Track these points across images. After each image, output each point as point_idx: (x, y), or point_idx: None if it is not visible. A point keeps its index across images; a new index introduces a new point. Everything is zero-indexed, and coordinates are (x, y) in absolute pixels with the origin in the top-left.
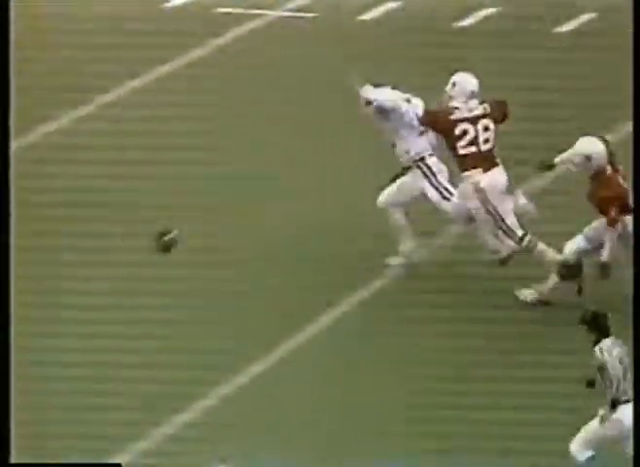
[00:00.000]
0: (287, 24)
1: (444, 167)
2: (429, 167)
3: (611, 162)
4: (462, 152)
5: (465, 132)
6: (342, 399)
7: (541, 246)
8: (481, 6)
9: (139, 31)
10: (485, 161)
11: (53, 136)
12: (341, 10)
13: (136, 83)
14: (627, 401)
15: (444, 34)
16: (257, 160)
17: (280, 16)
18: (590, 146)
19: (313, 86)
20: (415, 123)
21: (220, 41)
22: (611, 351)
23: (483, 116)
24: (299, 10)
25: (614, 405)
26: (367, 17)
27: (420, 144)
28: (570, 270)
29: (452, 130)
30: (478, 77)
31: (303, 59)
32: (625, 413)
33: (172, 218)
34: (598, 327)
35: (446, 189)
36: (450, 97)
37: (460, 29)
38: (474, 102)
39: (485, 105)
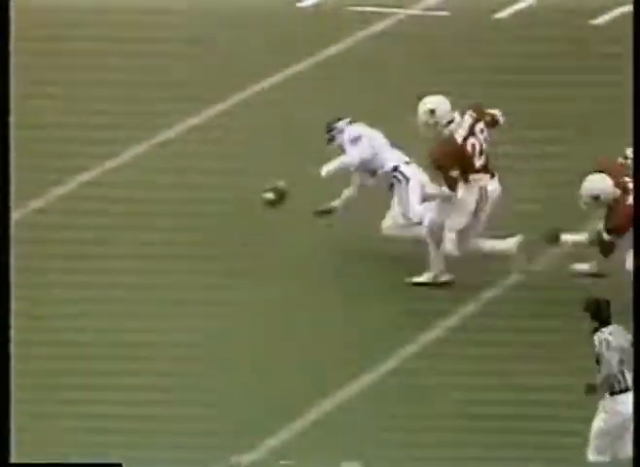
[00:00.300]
0: (419, 23)
1: (421, 174)
2: (403, 174)
3: (622, 186)
4: (478, 164)
5: (473, 146)
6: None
7: (485, 244)
8: (617, 3)
9: (272, 31)
10: (489, 164)
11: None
12: (475, 8)
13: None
14: (626, 390)
15: (579, 31)
16: None
17: (413, 14)
18: (598, 185)
19: (446, 86)
20: (379, 142)
21: (351, 40)
22: (612, 338)
23: (475, 121)
24: (432, 8)
25: (612, 393)
26: (501, 15)
27: (393, 155)
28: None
29: (465, 153)
30: (611, 74)
31: (436, 58)
32: (624, 402)
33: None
34: (600, 314)
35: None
36: (432, 125)
37: (595, 27)
38: (457, 115)
39: (469, 112)
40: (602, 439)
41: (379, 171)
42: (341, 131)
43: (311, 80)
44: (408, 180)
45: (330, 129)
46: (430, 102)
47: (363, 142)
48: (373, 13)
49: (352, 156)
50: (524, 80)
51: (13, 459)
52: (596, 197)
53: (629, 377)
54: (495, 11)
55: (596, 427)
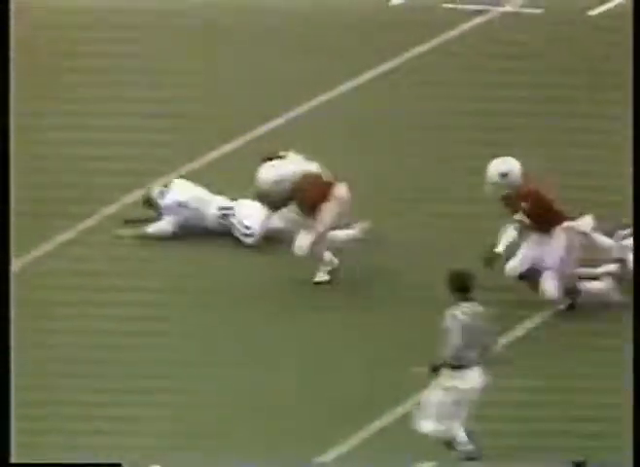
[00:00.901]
0: (512, 20)
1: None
2: (227, 207)
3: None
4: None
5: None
6: None
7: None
8: None
9: (363, 27)
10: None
11: None
12: (569, 5)
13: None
14: (466, 366)
15: None
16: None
17: (506, 11)
18: (505, 165)
19: (538, 85)
20: (198, 196)
21: (442, 38)
22: (468, 313)
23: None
24: (525, 6)
25: (453, 367)
26: (595, 12)
27: (217, 200)
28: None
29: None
30: None
31: (529, 57)
32: (463, 378)
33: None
34: (461, 287)
35: (247, 227)
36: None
37: None
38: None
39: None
40: (434, 410)
41: (210, 219)
42: (162, 196)
43: (404, 77)
44: (231, 208)
45: (147, 200)
46: (271, 174)
47: (182, 207)
48: (466, 10)
49: (166, 224)
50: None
51: (13, 459)
52: (504, 175)
53: (474, 354)
54: (589, 8)
55: (431, 400)
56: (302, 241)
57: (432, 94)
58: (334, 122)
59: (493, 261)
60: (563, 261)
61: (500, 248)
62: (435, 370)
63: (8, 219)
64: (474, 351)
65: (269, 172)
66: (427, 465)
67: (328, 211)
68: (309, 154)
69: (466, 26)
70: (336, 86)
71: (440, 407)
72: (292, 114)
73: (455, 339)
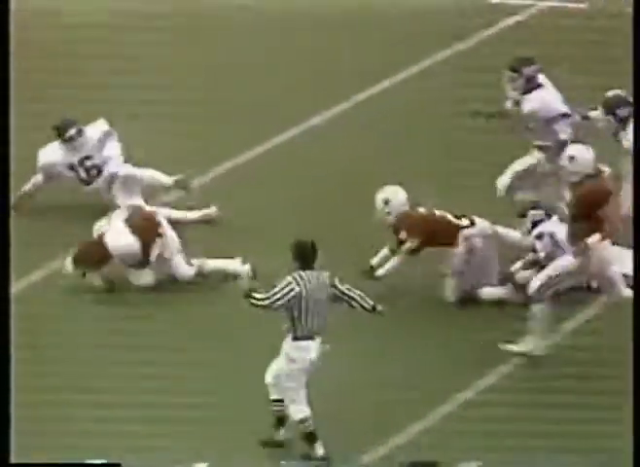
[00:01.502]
0: (558, 15)
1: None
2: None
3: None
4: None
5: None
6: None
7: (212, 263)
8: None
9: (407, 23)
10: None
11: None
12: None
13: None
14: (310, 337)
15: None
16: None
17: (551, 6)
18: (389, 192)
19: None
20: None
21: (489, 32)
22: (307, 282)
23: None
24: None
25: (294, 338)
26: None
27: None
28: None
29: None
30: None
31: (572, 51)
32: (304, 348)
33: None
34: (303, 256)
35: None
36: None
37: None
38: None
39: None
40: (281, 382)
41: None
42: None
43: (447, 73)
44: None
45: (69, 125)
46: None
47: (102, 142)
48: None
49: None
50: None
51: (13, 459)
52: (386, 202)
53: (314, 324)
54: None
55: (276, 370)
56: (185, 270)
57: (469, 92)
58: (371, 121)
59: (369, 273)
60: (466, 265)
61: (373, 262)
62: (247, 297)
63: (8, 242)
64: (315, 321)
65: (121, 238)
66: (472, 465)
67: (168, 240)
68: (335, 154)
69: (509, 21)
70: (376, 83)
71: (287, 379)
72: (329, 113)
73: (276, 297)
